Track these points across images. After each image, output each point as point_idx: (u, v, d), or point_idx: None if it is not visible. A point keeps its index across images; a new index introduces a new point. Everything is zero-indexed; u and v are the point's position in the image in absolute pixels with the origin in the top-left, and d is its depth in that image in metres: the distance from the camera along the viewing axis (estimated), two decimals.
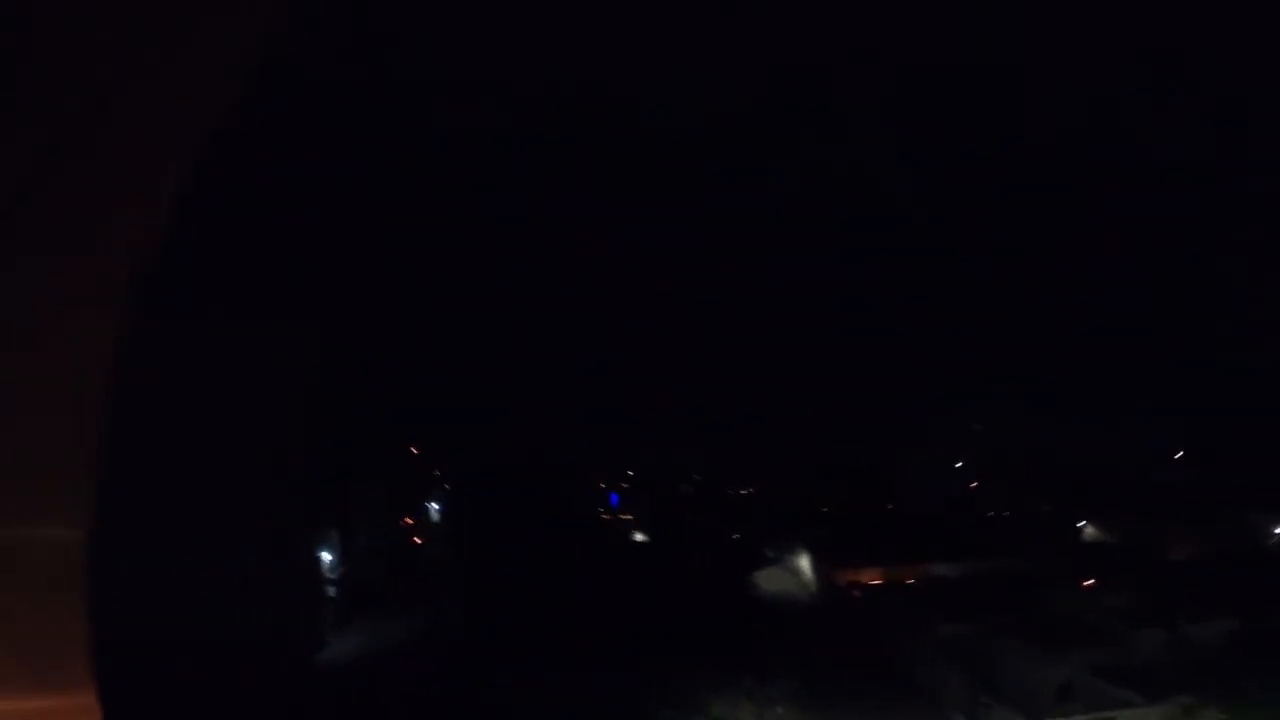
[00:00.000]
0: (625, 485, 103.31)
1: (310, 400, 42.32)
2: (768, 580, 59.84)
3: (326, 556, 46.15)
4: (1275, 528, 49.82)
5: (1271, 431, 63.50)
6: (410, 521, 69.80)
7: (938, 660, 31.35)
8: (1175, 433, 75.48)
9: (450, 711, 33.24)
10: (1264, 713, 21.48)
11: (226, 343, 34.57)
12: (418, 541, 68.70)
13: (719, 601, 50.30)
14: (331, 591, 46.01)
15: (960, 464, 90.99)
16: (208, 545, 31.76)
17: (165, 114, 2.12)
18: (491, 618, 45.14)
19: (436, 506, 77.33)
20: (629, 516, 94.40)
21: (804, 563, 61.68)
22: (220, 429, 34.49)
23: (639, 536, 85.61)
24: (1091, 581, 41.51)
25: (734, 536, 75.07)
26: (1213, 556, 47.83)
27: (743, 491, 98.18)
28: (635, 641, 39.61)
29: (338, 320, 59.57)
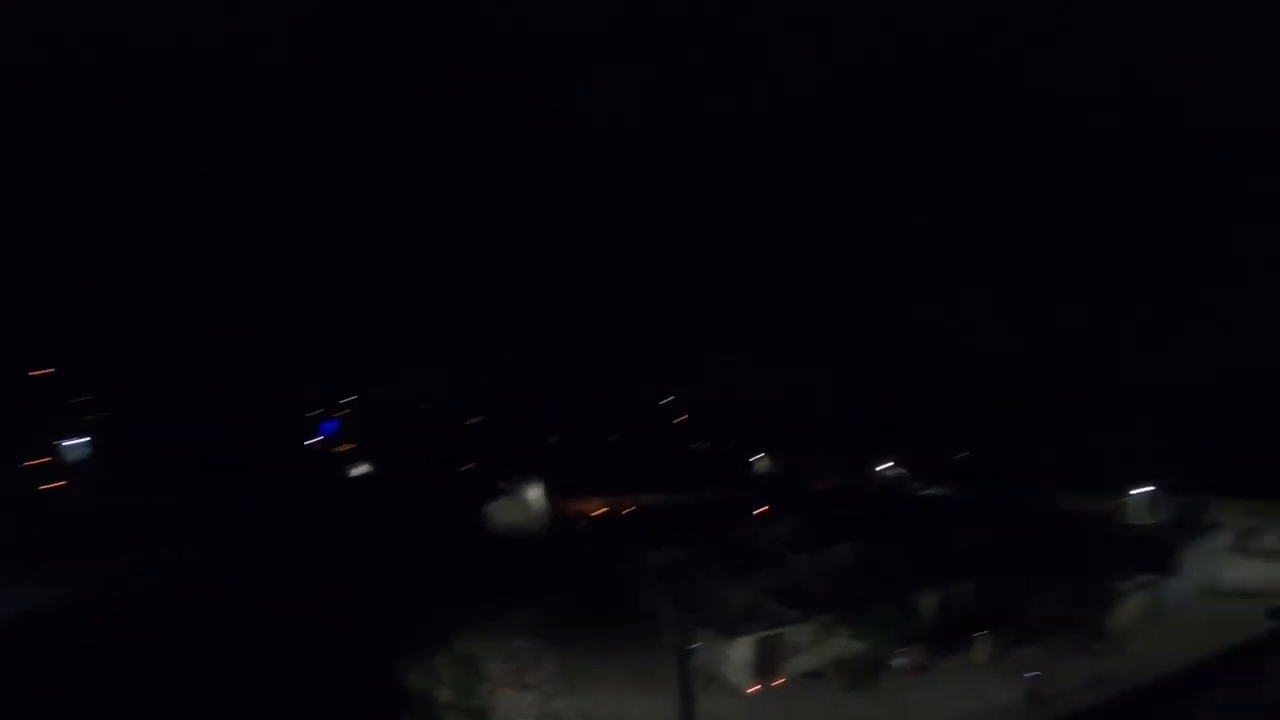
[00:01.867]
0: (343, 413, 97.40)
1: None
2: (501, 512, 62.89)
3: None
4: (885, 463, 66.94)
5: (886, 382, 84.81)
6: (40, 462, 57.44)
7: (653, 585, 34.15)
8: (824, 380, 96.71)
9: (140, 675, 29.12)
10: (879, 630, 28.77)
11: None
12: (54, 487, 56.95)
13: (452, 536, 51.27)
14: None
15: (671, 399, 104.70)
16: None
17: None
18: (168, 569, 40.03)
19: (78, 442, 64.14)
20: (348, 447, 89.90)
21: (534, 494, 65.81)
22: None
23: (360, 469, 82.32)
24: (764, 510, 50.75)
25: (465, 468, 77.10)
26: (844, 489, 63.62)
27: (471, 421, 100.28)
28: (360, 581, 38.29)
29: None
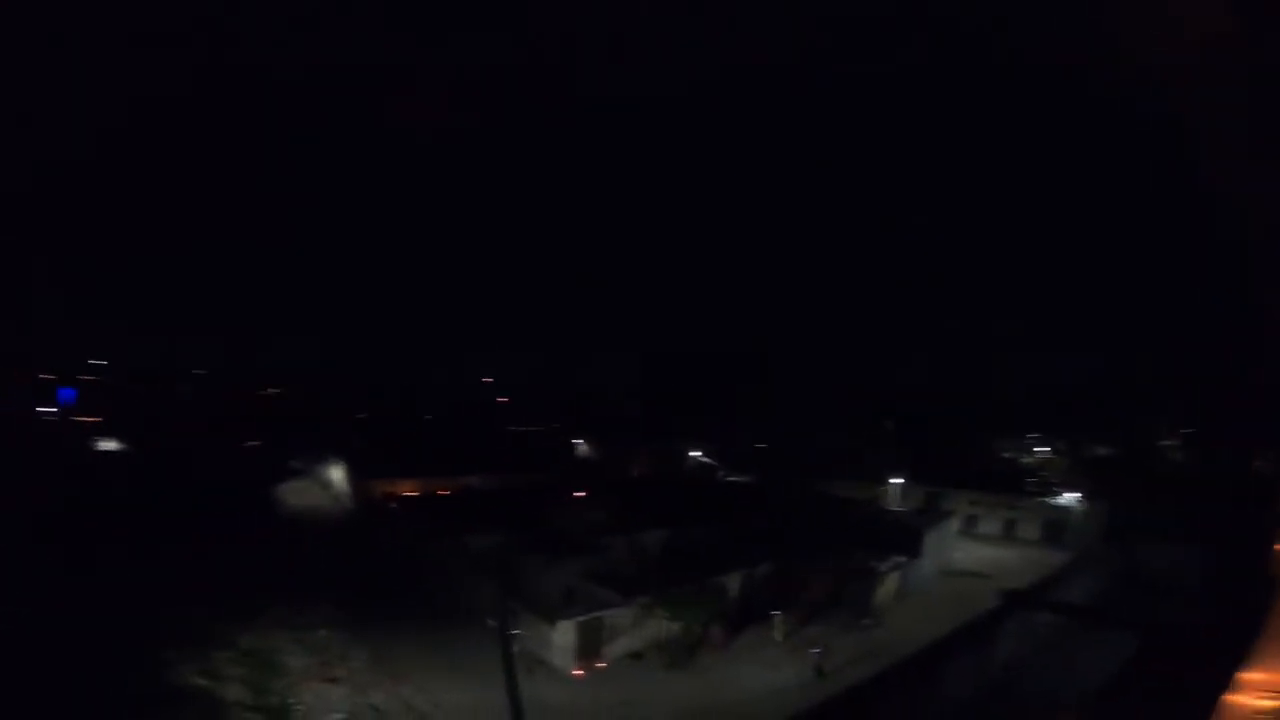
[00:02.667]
0: (87, 378, 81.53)
1: None
2: (296, 494, 57.33)
3: None
4: (692, 453, 71.55)
5: (696, 375, 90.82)
6: None
7: (470, 570, 34.55)
8: (635, 375, 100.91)
9: None
10: (690, 609, 30.61)
11: None
12: None
13: (234, 520, 45.80)
14: None
15: (490, 380, 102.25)
16: None
17: None
18: None
19: None
20: (92, 418, 75.83)
21: (336, 474, 60.80)
22: None
23: (108, 445, 70.02)
24: (581, 494, 51.76)
25: (250, 444, 68.98)
26: (654, 476, 67.02)
27: (264, 392, 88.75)
28: (116, 572, 34.34)
29: None
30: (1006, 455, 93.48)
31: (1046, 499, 60.54)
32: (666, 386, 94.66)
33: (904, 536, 45.01)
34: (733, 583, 35.88)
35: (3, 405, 70.32)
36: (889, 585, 40.34)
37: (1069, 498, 58.86)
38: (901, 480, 62.87)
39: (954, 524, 54.81)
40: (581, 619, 29.13)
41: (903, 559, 42.45)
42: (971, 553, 53.34)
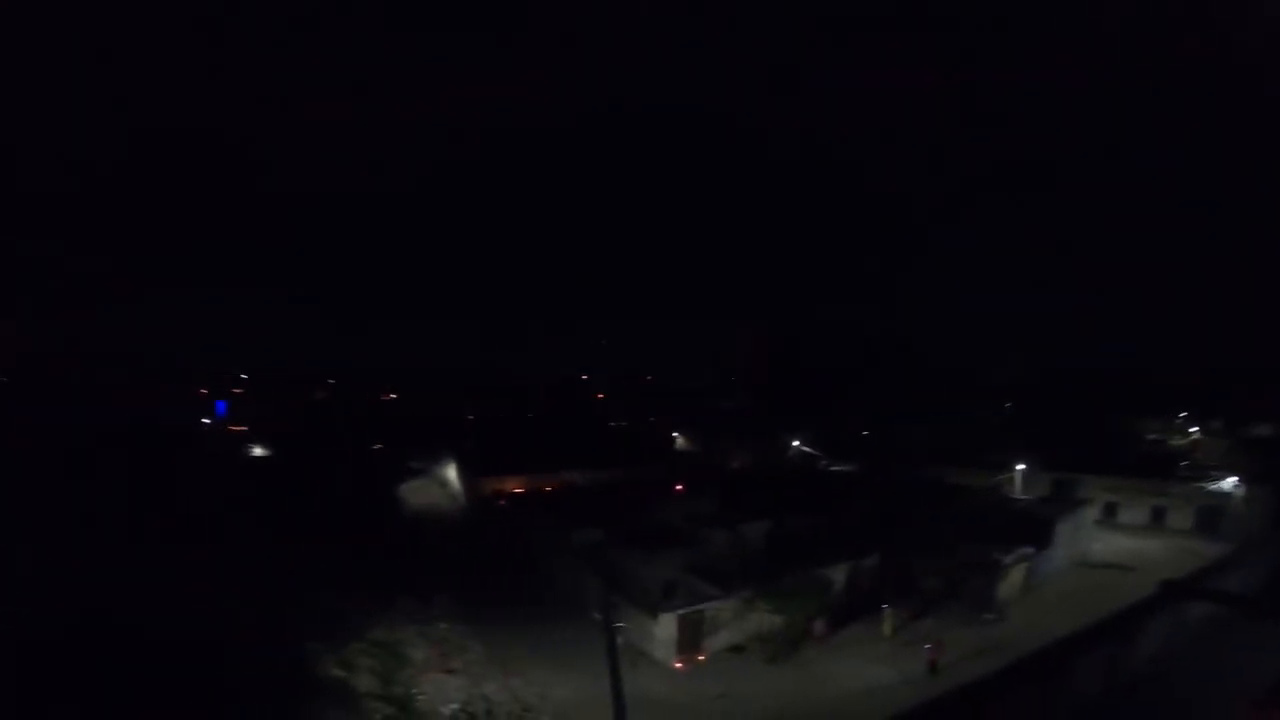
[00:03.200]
0: (237, 391, 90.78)
1: None
2: (416, 493, 61.06)
3: None
4: (794, 442, 69.81)
5: (797, 371, 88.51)
6: None
7: (575, 565, 35.56)
8: (736, 369, 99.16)
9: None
10: (795, 601, 30.02)
11: None
12: None
13: (364, 519, 49.03)
14: None
15: (587, 377, 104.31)
16: None
17: None
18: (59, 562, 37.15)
19: None
20: (242, 427, 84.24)
21: (450, 473, 64.26)
22: None
23: (258, 450, 77.51)
24: (681, 487, 52.02)
25: (375, 447, 74.43)
26: (755, 467, 65.91)
27: (384, 398, 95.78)
28: (267, 570, 36.50)
29: None
30: (1152, 438, 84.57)
31: (1201, 484, 54.27)
32: (767, 375, 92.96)
33: (1031, 526, 41.81)
34: (838, 575, 34.70)
35: (178, 417, 79.18)
36: (1014, 578, 37.60)
37: (1228, 483, 52.46)
38: (1024, 467, 58.36)
39: (1090, 513, 50.20)
40: (682, 612, 29.18)
41: (1029, 550, 39.43)
42: (1111, 544, 48.74)
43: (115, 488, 51.11)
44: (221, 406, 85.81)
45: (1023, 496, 54.24)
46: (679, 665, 27.85)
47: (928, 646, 28.42)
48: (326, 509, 51.59)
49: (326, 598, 33.97)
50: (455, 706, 24.72)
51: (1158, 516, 53.80)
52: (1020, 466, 58.15)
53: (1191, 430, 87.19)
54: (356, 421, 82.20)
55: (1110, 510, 55.43)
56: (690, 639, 29.02)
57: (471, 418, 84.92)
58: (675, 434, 77.87)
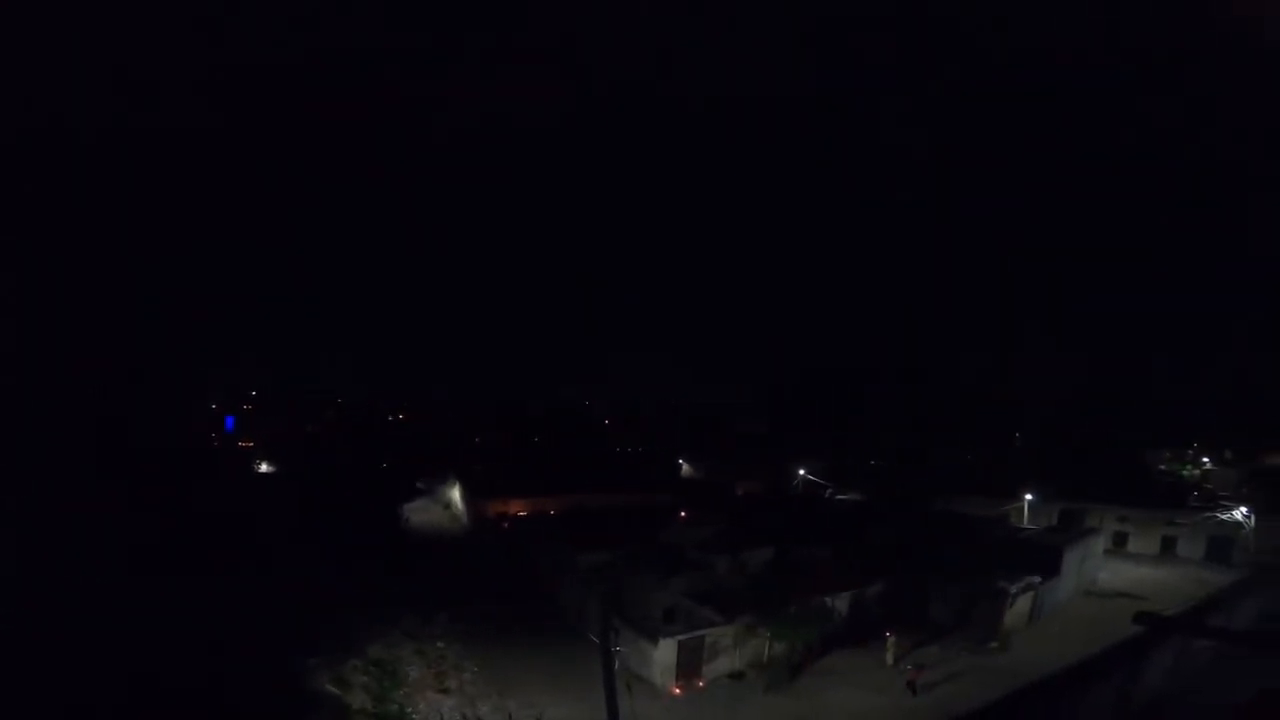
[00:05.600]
0: (246, 407, 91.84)
1: None
2: (420, 513, 61.22)
3: None
4: (800, 471, 69.42)
5: (813, 398, 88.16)
6: None
7: (577, 587, 35.38)
8: (750, 394, 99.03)
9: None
10: (796, 629, 29.54)
11: None
12: None
13: (368, 537, 49.62)
14: None
15: (594, 402, 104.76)
16: None
17: None
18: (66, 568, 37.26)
19: None
20: (249, 443, 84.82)
21: (455, 494, 64.32)
22: None
23: (264, 467, 77.91)
24: (685, 513, 51.88)
25: (382, 466, 74.48)
26: (760, 495, 65.50)
27: (391, 419, 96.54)
28: (268, 583, 37.06)
29: None
30: (1163, 468, 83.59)
31: (1212, 514, 53.55)
32: (774, 404, 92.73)
33: (1039, 555, 41.36)
34: (841, 603, 34.42)
35: (191, 434, 79.75)
36: (1020, 607, 37.09)
37: (1239, 513, 51.74)
38: (1031, 496, 57.88)
39: (1099, 542, 49.60)
40: (682, 637, 28.93)
41: (1036, 579, 38.96)
42: (1121, 573, 48.05)
43: (123, 501, 51.52)
44: (230, 422, 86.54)
45: (1029, 525, 53.70)
46: (677, 691, 27.58)
47: (909, 668, 28.41)
48: (331, 527, 51.71)
49: (327, 614, 34.23)
50: None
51: (1168, 546, 53.11)
52: (1029, 496, 57.71)
53: (1203, 460, 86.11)
54: (363, 441, 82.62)
55: (1120, 539, 54.77)
56: (689, 664, 28.74)
57: (478, 440, 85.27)
58: (681, 461, 77.77)
